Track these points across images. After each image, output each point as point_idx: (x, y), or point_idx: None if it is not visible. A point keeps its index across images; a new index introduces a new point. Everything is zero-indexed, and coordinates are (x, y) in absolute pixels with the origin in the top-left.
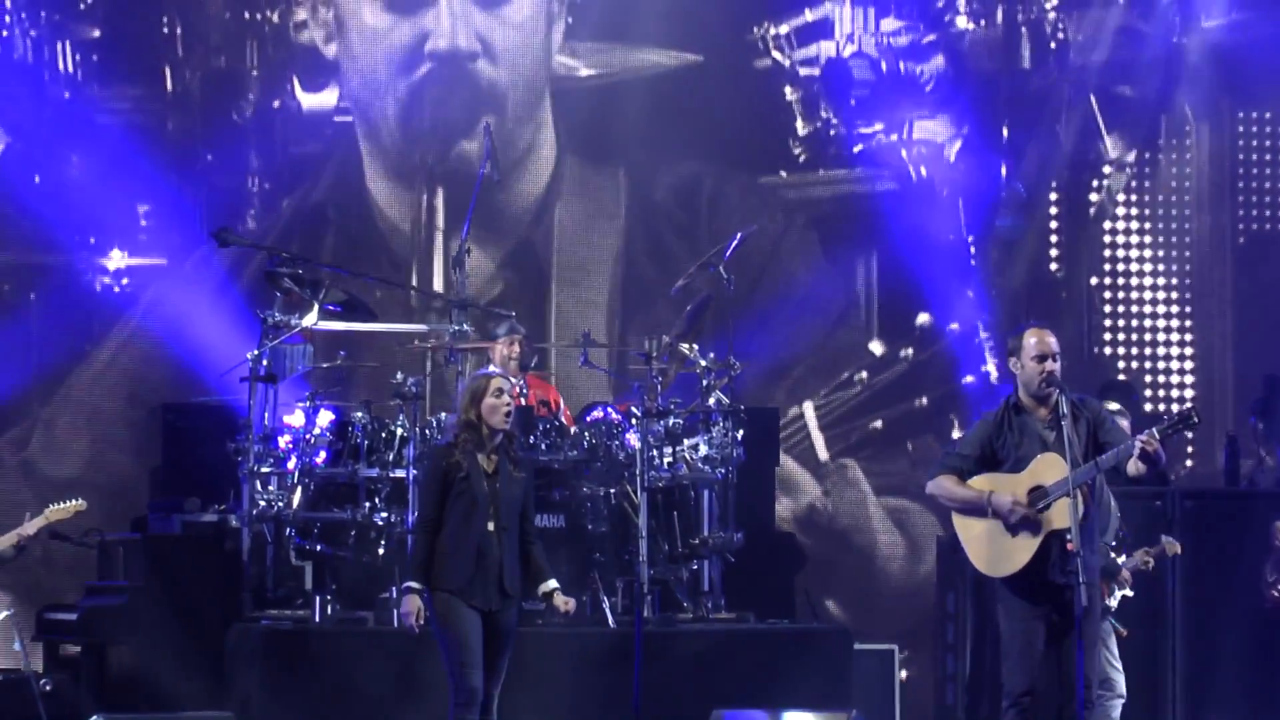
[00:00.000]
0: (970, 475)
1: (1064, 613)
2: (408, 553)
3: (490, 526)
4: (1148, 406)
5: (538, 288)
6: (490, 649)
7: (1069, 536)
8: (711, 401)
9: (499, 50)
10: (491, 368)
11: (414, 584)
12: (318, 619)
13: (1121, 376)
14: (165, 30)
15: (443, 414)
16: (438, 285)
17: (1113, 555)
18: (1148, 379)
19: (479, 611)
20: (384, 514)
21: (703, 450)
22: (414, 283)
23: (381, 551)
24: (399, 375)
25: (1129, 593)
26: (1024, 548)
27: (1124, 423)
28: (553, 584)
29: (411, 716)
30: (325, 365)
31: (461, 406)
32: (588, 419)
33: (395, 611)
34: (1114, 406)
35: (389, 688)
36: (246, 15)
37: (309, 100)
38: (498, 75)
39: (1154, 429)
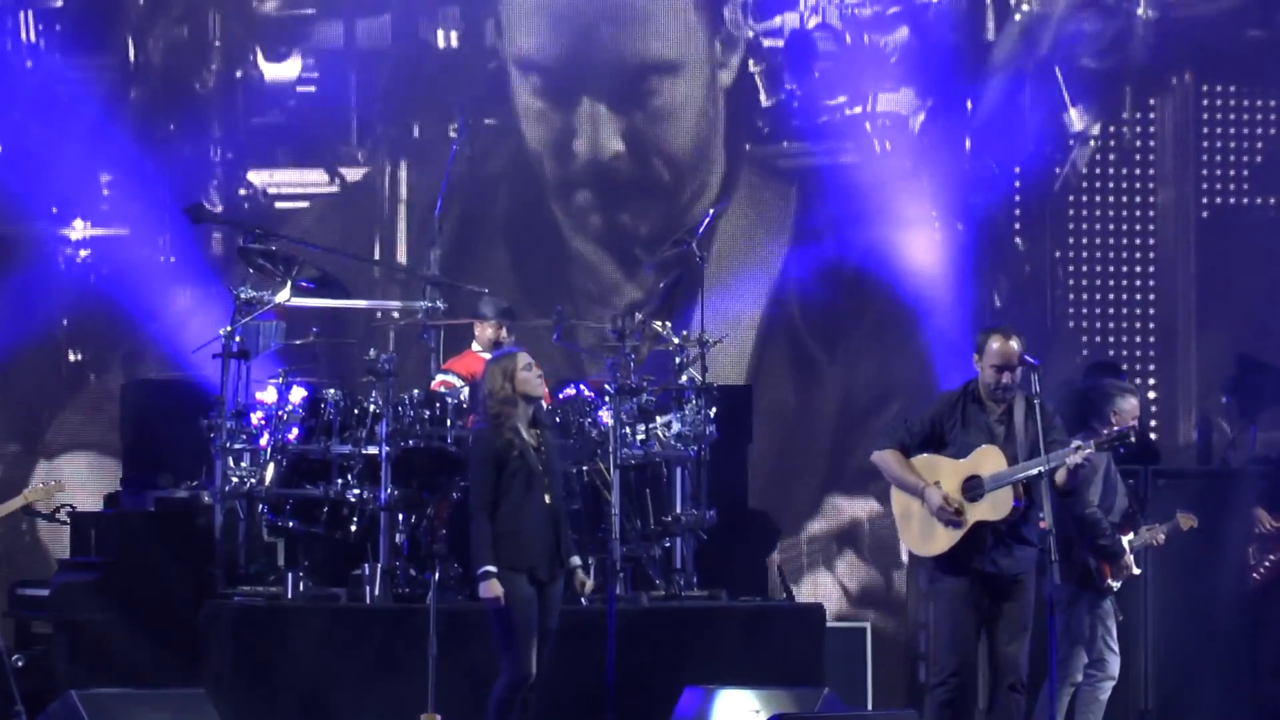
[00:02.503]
0: (916, 451)
1: (994, 597)
2: (472, 537)
3: (547, 499)
4: None
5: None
6: (546, 620)
7: (1042, 515)
8: (684, 379)
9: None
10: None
11: (491, 568)
12: (290, 596)
13: (1085, 352)
14: (128, 0)
15: (415, 390)
16: (401, 259)
17: (1117, 536)
18: (1111, 353)
19: (539, 585)
20: (356, 491)
21: (675, 428)
22: (376, 257)
23: (354, 528)
24: (372, 352)
25: (1136, 570)
26: (948, 535)
27: (1132, 401)
28: (576, 560)
29: (384, 693)
30: (298, 342)
31: (493, 388)
32: (560, 396)
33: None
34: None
35: (361, 664)
36: None
37: (271, 70)
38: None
39: (1089, 443)
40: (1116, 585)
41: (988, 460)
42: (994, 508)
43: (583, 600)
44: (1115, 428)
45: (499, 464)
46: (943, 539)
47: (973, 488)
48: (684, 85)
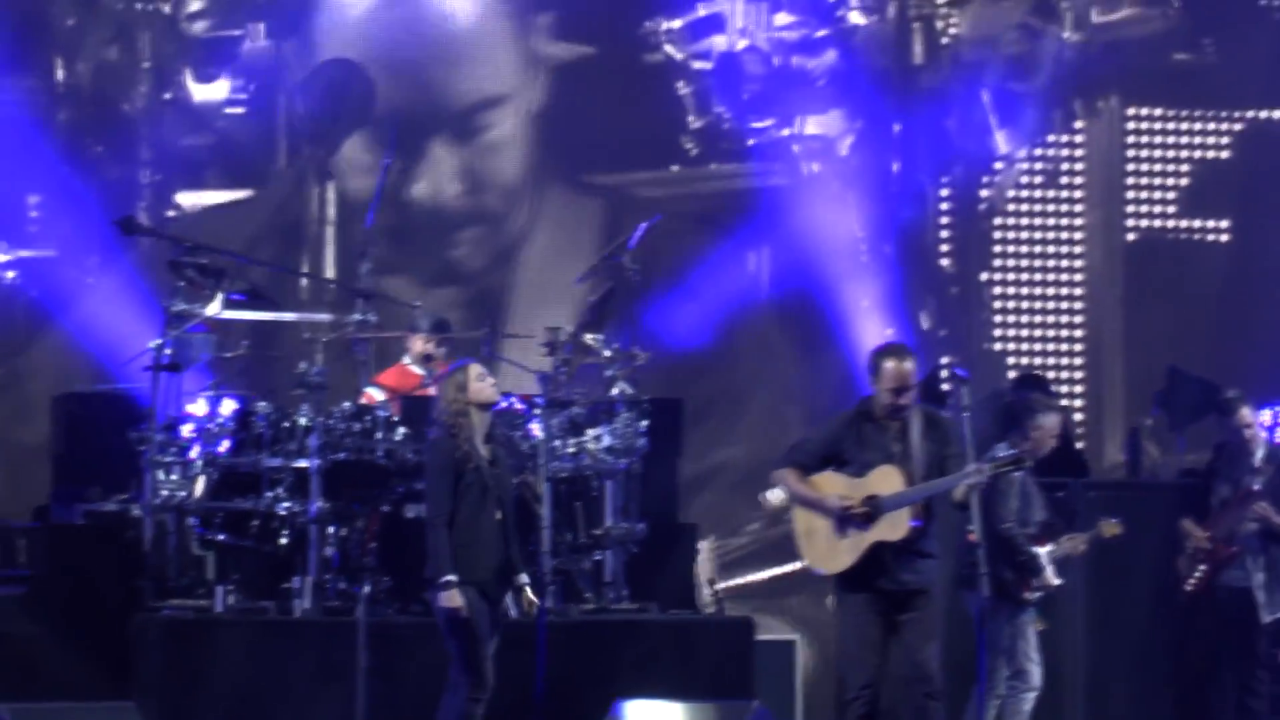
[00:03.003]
0: (814, 470)
1: (900, 609)
2: (430, 547)
3: (499, 515)
4: None
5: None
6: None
7: (970, 528)
8: (615, 392)
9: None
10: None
11: (453, 577)
12: (220, 609)
13: (1011, 374)
14: (56, 21)
15: (345, 404)
16: (329, 274)
17: (1033, 548)
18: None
19: (490, 601)
20: (287, 504)
21: (606, 441)
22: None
23: (284, 541)
24: (303, 365)
25: (1056, 581)
26: (849, 551)
27: (1054, 417)
28: (524, 579)
29: (314, 706)
30: (229, 355)
31: (448, 400)
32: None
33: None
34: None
35: (291, 677)
36: (139, 6)
37: (200, 92)
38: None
39: (984, 465)
40: (1035, 597)
41: (886, 480)
42: (893, 528)
43: (511, 612)
44: (1026, 446)
45: (455, 475)
46: (844, 557)
47: (871, 507)
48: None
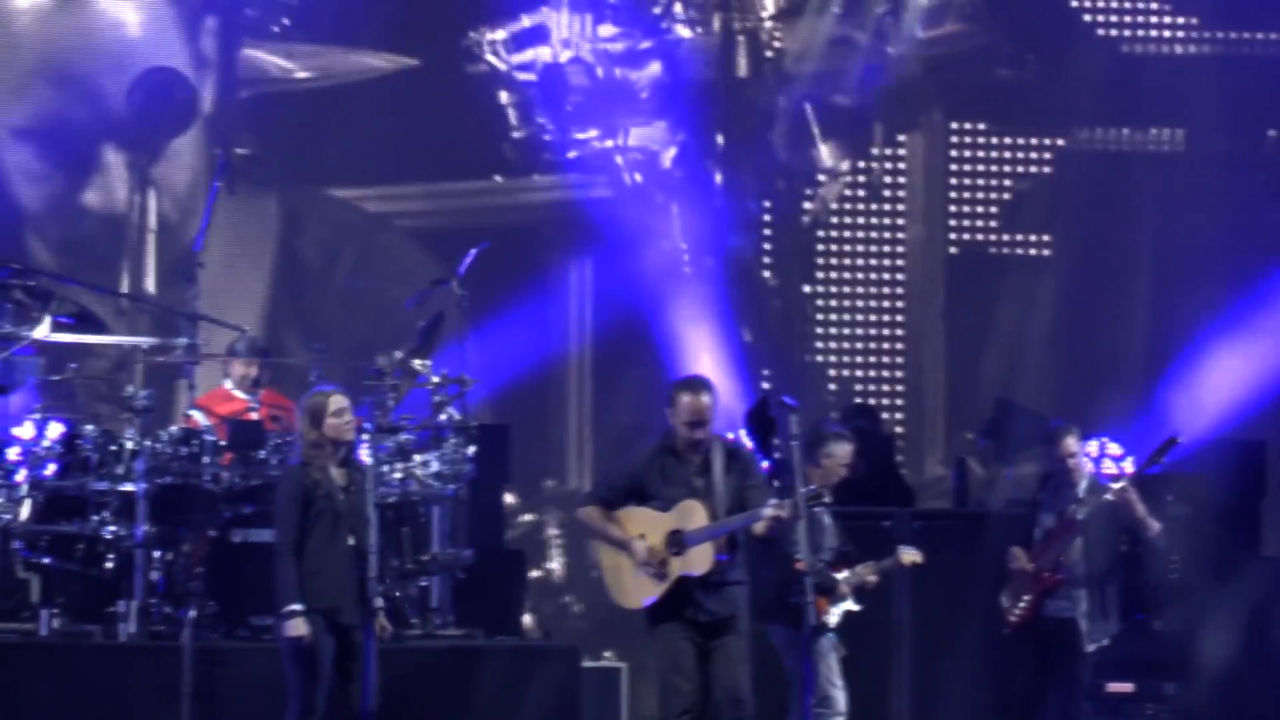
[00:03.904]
0: (619, 505)
1: (710, 636)
2: (276, 575)
3: (351, 541)
4: None
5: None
6: (355, 664)
7: (798, 556)
8: (443, 418)
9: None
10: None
11: (296, 605)
12: (44, 632)
13: (832, 386)
14: None
15: (173, 427)
16: (149, 288)
17: (829, 571)
18: (858, 388)
19: (342, 627)
20: (113, 528)
21: (434, 467)
22: (125, 285)
23: (110, 565)
24: (129, 388)
25: (855, 607)
26: (651, 588)
27: (846, 447)
28: (378, 603)
29: None
30: (56, 378)
31: (303, 428)
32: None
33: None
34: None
35: (116, 702)
36: None
37: None
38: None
39: (787, 500)
40: (834, 622)
41: (691, 515)
42: (696, 562)
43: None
44: (816, 474)
45: (304, 503)
46: (648, 591)
47: (675, 542)
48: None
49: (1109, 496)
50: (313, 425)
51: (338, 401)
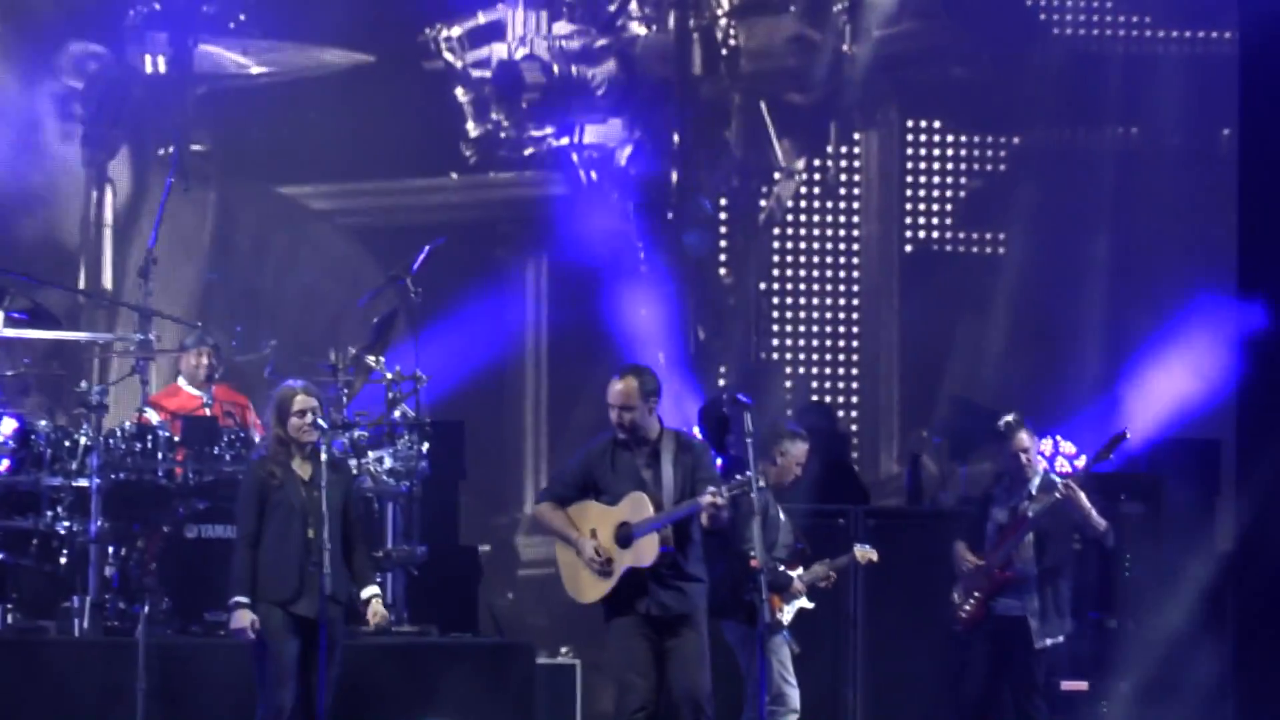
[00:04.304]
0: (573, 500)
1: (666, 634)
2: (231, 569)
3: (310, 534)
4: None
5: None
6: (316, 659)
7: (752, 553)
8: (397, 414)
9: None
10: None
11: (241, 599)
12: None
13: (788, 384)
14: None
15: (126, 422)
16: (107, 284)
17: (783, 569)
18: (814, 384)
19: (305, 620)
20: (66, 523)
21: (387, 463)
22: (82, 281)
23: (64, 560)
24: (84, 384)
25: (808, 605)
26: (601, 584)
27: (801, 446)
28: (372, 590)
29: None
30: (9, 373)
31: (270, 419)
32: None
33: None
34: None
35: (70, 698)
36: None
37: None
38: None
39: (722, 488)
40: (787, 620)
41: (639, 508)
42: (641, 555)
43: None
44: (771, 471)
45: (262, 497)
46: (600, 586)
47: (624, 535)
48: None
49: (1056, 494)
50: (277, 420)
51: (303, 402)
